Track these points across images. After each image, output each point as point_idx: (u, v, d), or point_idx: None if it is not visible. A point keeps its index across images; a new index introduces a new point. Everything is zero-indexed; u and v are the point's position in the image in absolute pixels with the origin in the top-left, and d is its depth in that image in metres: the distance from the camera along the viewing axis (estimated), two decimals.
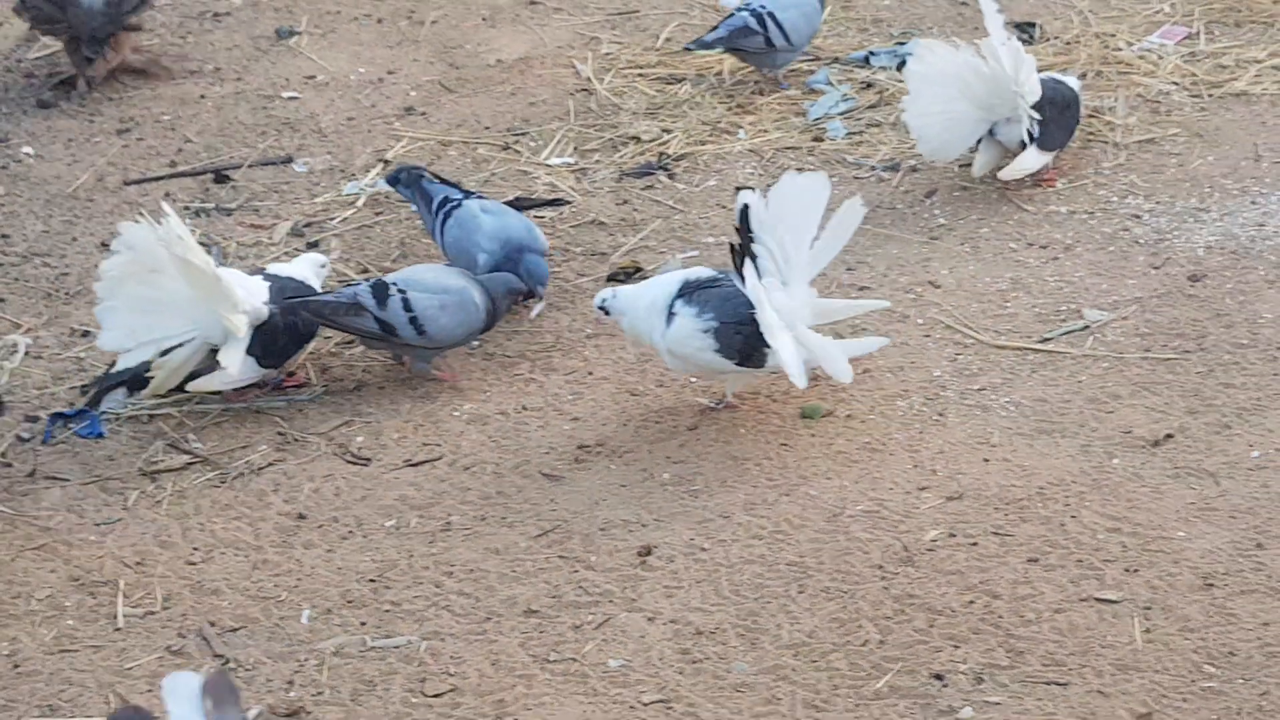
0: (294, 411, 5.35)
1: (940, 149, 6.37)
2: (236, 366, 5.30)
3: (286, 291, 5.47)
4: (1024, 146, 6.11)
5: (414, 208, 6.00)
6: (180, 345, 5.34)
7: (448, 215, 5.80)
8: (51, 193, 6.66)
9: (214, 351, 5.36)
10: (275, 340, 5.40)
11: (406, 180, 5.90)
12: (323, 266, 5.80)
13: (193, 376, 5.41)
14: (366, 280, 5.53)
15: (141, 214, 5.44)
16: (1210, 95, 6.73)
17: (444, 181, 5.96)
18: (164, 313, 5.40)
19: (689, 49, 7.05)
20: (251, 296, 5.41)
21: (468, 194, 5.89)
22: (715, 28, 6.84)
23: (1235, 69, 6.85)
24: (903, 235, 6.01)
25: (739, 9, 6.96)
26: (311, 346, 5.62)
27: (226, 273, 5.48)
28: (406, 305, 5.39)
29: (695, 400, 5.27)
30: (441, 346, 5.48)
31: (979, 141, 6.30)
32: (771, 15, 6.70)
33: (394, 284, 5.42)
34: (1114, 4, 7.49)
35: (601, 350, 5.53)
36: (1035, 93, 6.19)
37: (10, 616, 4.58)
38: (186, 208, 6.48)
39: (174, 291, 5.37)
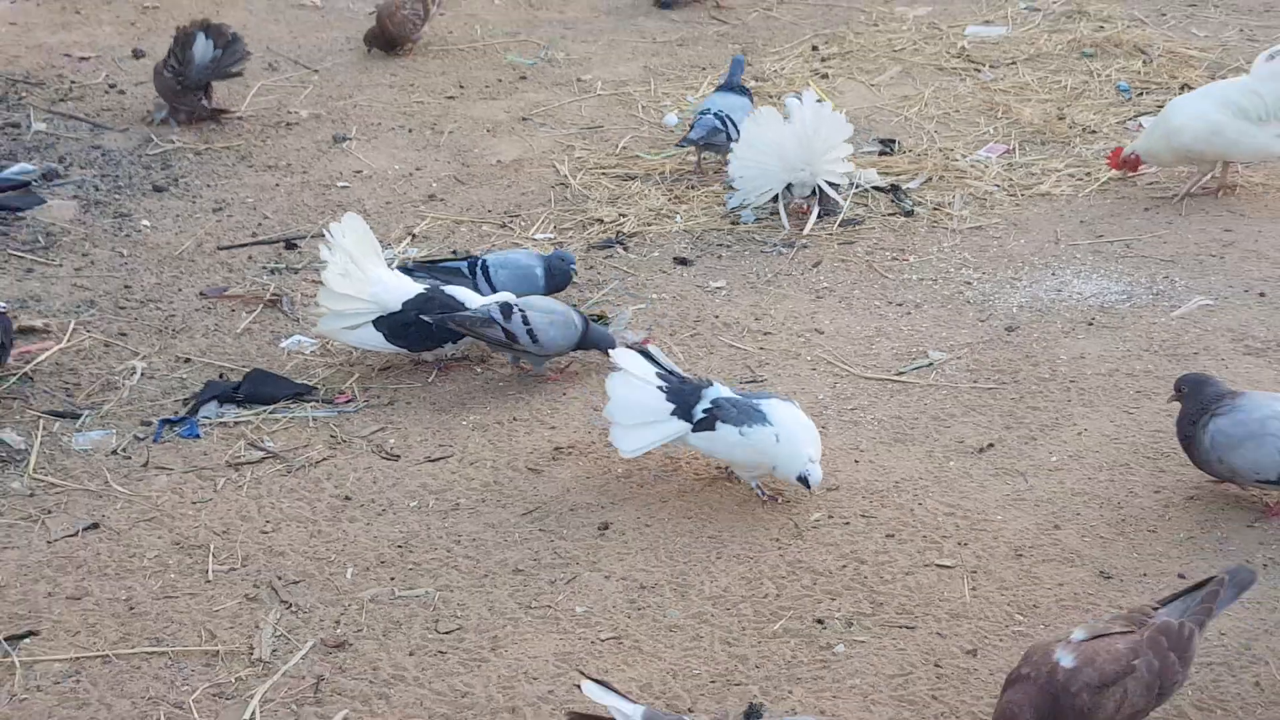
0: (343, 420, 5.27)
1: (750, 193, 6.44)
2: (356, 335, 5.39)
3: (437, 301, 5.41)
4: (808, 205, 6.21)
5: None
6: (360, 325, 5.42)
7: (484, 268, 5.75)
8: (163, 255, 6.61)
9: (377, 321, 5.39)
10: (401, 329, 5.36)
11: (419, 270, 5.80)
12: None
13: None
14: (496, 302, 5.48)
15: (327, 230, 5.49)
16: (1023, 195, 6.72)
17: (446, 262, 5.89)
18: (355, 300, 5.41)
19: (680, 145, 7.02)
20: (390, 292, 5.38)
21: (473, 258, 5.84)
22: (691, 128, 6.81)
23: (1041, 176, 6.85)
24: (796, 295, 5.97)
25: (701, 113, 6.92)
26: (452, 350, 5.58)
27: (388, 272, 5.50)
28: (525, 320, 5.33)
29: None
30: (549, 354, 5.42)
31: (785, 189, 6.41)
32: (729, 118, 6.69)
33: (515, 305, 5.37)
34: (953, 127, 7.49)
35: (573, 379, 5.48)
36: (839, 166, 6.25)
37: (127, 571, 4.56)
38: (264, 268, 6.45)
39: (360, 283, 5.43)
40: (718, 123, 6.74)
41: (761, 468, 4.59)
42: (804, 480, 4.50)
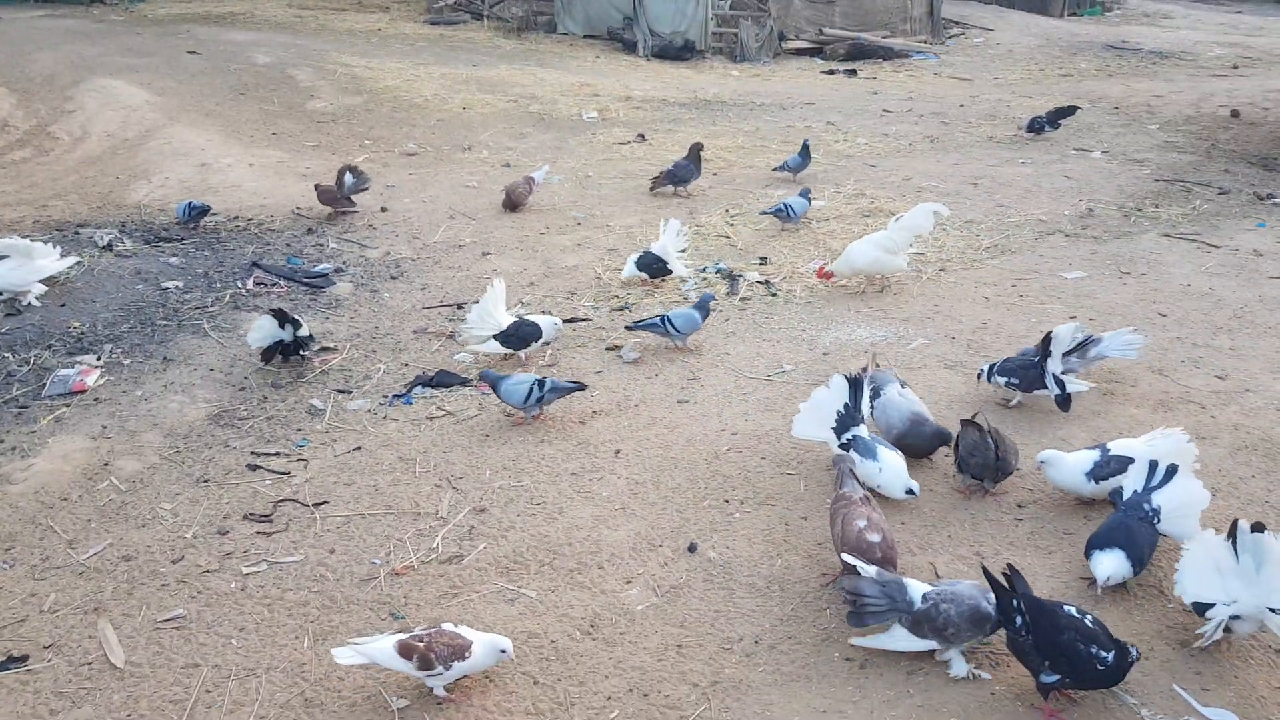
0: (482, 397, 5.20)
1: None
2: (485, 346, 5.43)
3: (525, 327, 5.36)
4: None
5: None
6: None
7: (667, 320, 5.49)
8: (395, 311, 6.56)
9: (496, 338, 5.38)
10: (508, 338, 5.42)
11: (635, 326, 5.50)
12: (556, 326, 5.62)
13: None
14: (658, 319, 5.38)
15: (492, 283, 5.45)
16: (833, 287, 6.44)
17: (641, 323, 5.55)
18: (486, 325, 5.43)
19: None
20: (501, 318, 5.50)
21: (662, 315, 5.56)
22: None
23: (842, 278, 6.42)
24: (713, 333, 5.90)
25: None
26: (535, 347, 5.51)
27: (503, 314, 5.50)
28: (672, 324, 5.44)
29: (636, 395, 5.15)
30: (686, 335, 5.47)
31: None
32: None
33: (669, 317, 5.38)
34: (798, 249, 7.18)
35: (603, 379, 5.37)
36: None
37: (375, 471, 4.58)
38: (447, 319, 6.31)
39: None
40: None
41: (870, 482, 4.16)
42: (910, 492, 4.08)
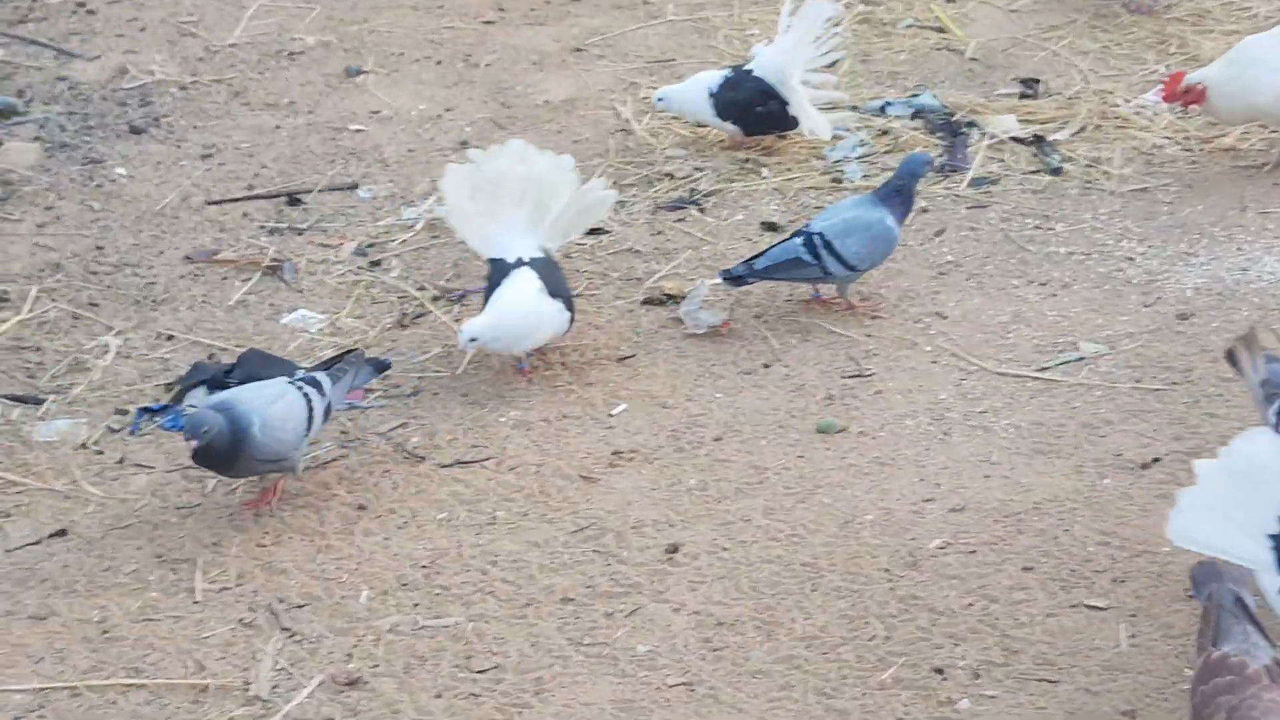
0: (356, 413, 5.35)
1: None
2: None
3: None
4: None
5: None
6: None
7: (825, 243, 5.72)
8: (141, 210, 6.67)
9: None
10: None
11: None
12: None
13: None
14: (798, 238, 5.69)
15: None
16: (1201, 149, 6.70)
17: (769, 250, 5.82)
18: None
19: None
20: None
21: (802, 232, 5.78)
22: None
23: (1225, 126, 6.76)
24: (913, 270, 5.99)
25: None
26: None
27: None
28: (831, 249, 5.60)
29: (720, 415, 5.26)
30: (864, 270, 5.73)
31: None
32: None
33: (820, 234, 5.62)
34: (1112, 63, 7.46)
35: (634, 367, 5.54)
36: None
37: (100, 587, 4.63)
38: (262, 227, 6.51)
39: None
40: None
41: None
42: None
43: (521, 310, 5.42)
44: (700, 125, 6.98)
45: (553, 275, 5.50)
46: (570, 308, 5.52)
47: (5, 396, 5.50)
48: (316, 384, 4.99)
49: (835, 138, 6.85)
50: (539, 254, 5.51)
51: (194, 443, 4.70)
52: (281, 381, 5.03)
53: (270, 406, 4.86)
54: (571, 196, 5.78)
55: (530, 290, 5.45)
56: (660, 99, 6.87)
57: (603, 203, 5.92)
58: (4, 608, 4.57)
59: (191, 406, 5.34)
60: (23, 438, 5.33)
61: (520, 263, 5.49)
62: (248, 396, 4.90)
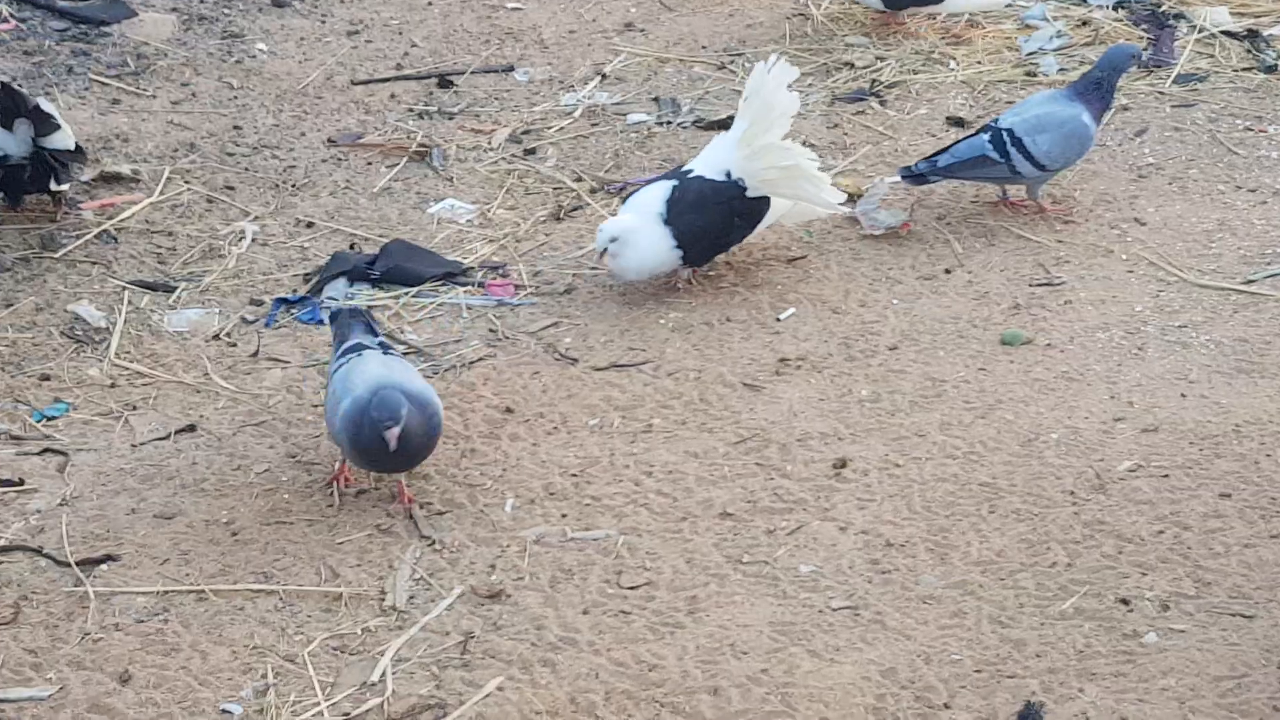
0: (505, 310, 5.40)
1: None
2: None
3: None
4: None
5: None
6: None
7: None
8: (282, 89, 6.82)
9: None
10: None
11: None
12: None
13: None
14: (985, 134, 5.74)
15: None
16: None
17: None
18: None
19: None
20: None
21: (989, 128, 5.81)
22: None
23: None
24: (1110, 172, 5.97)
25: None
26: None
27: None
28: (1021, 146, 5.62)
29: (896, 322, 5.24)
30: (1056, 170, 5.74)
31: None
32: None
33: (1008, 130, 5.65)
34: None
35: (804, 269, 5.51)
36: None
37: (229, 487, 4.67)
38: (410, 109, 6.62)
39: None
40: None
41: None
42: None
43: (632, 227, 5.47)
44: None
45: (692, 201, 5.37)
46: (684, 245, 5.43)
47: (135, 283, 5.57)
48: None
49: (1028, 27, 6.81)
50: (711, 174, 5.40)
51: (393, 428, 4.46)
52: (399, 358, 4.81)
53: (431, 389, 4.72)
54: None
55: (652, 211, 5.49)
56: None
57: (822, 204, 5.76)
58: (129, 505, 4.62)
59: (331, 299, 5.42)
60: (152, 327, 5.41)
61: (681, 173, 5.52)
62: (403, 377, 4.60)
